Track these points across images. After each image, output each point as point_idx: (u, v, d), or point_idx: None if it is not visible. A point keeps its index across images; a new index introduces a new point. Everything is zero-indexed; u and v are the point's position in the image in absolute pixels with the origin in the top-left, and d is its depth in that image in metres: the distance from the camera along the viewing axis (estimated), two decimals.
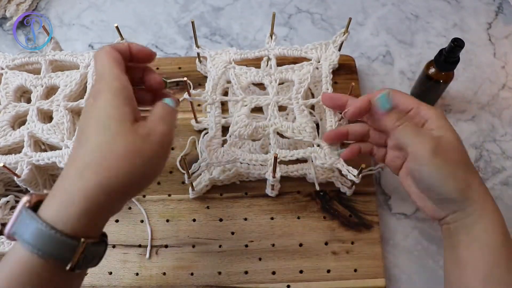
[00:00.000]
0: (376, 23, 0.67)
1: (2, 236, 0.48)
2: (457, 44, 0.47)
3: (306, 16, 0.67)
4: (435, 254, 0.50)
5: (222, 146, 0.50)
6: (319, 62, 0.54)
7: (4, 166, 0.44)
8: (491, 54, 0.64)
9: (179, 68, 0.60)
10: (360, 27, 0.66)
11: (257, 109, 0.54)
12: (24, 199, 0.31)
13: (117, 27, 0.52)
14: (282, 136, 0.52)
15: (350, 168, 0.47)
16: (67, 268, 0.31)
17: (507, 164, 0.56)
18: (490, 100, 0.60)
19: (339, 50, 0.57)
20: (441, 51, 0.50)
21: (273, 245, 0.50)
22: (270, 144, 0.50)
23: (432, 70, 0.53)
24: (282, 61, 0.58)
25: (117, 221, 0.51)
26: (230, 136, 0.49)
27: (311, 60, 0.54)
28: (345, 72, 0.59)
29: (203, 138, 0.54)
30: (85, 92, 0.52)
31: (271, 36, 0.55)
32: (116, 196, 0.32)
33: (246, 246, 0.50)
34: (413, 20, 0.67)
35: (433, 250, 0.51)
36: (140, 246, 0.50)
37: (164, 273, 0.48)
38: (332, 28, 0.66)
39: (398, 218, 0.53)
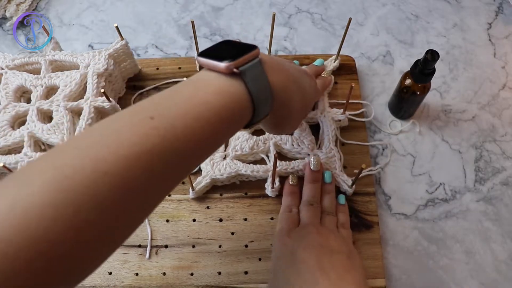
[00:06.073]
0: (376, 23, 0.67)
1: None
2: (432, 56, 0.47)
3: (306, 16, 0.67)
4: (435, 254, 0.50)
5: (224, 159, 0.52)
6: None
7: (4, 166, 0.44)
8: (491, 54, 0.63)
9: (179, 68, 0.60)
10: (360, 27, 0.66)
11: None
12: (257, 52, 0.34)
13: (117, 27, 0.52)
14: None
15: (345, 177, 0.51)
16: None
17: (507, 164, 0.56)
18: (490, 100, 0.60)
19: (339, 51, 0.57)
20: (416, 62, 0.50)
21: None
22: (269, 156, 0.53)
23: (408, 81, 0.52)
24: None
25: None
26: (232, 150, 0.52)
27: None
28: (345, 72, 0.59)
29: None
30: (85, 92, 0.52)
31: (270, 39, 0.55)
32: None
33: (246, 246, 0.50)
34: (413, 20, 0.67)
35: (433, 250, 0.51)
36: (140, 246, 0.50)
37: (164, 273, 0.48)
38: (332, 28, 0.66)
39: (398, 218, 0.53)
